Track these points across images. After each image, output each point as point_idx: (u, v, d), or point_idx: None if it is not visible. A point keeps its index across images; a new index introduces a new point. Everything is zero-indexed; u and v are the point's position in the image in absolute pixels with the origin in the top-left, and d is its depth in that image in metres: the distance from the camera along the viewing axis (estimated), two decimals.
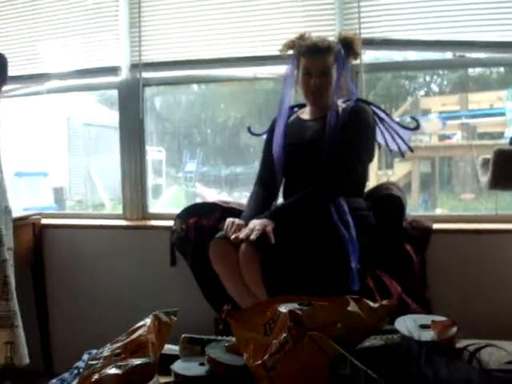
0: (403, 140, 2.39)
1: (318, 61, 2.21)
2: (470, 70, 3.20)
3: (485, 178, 2.21)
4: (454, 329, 1.17)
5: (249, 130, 2.57)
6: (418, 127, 2.39)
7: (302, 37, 2.31)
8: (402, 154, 2.45)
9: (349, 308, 0.98)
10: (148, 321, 1.20)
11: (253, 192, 2.36)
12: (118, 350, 1.14)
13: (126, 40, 2.92)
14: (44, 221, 2.96)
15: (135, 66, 2.91)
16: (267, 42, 2.77)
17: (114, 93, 3.02)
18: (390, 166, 3.54)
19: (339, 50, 2.25)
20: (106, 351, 1.16)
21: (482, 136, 3.56)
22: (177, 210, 2.63)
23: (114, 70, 2.95)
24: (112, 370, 1.07)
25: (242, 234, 2.00)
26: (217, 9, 2.82)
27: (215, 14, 2.82)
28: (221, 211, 2.45)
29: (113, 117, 3.13)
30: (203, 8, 2.83)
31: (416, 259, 2.33)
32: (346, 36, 2.31)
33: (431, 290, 2.36)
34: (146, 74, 2.93)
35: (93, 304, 2.83)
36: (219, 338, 1.25)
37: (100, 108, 3.65)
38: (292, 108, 2.44)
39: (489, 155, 2.14)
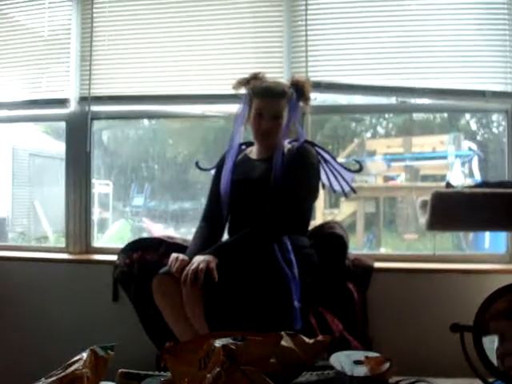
0: (346, 181, 2.46)
1: (270, 104, 2.24)
2: (415, 115, 3.33)
3: (423, 219, 2.29)
4: (387, 364, 1.21)
5: (197, 164, 2.58)
6: (360, 170, 2.46)
7: (256, 76, 2.35)
8: (345, 195, 2.52)
9: (283, 343, 1.00)
10: (84, 355, 1.18)
11: (198, 228, 2.36)
12: None
13: (76, 73, 2.93)
14: None
15: (84, 99, 2.92)
16: (218, 80, 2.83)
17: (62, 124, 3.01)
18: (336, 205, 3.60)
19: (292, 94, 2.30)
20: None
21: (425, 178, 3.67)
22: (121, 245, 2.61)
23: (62, 102, 2.94)
24: None
25: (190, 276, 1.99)
26: (169, 46, 2.87)
27: (167, 52, 2.87)
28: (165, 247, 2.44)
29: (59, 148, 3.11)
30: (155, 45, 2.88)
31: (357, 297, 2.37)
32: (298, 80, 2.36)
33: (372, 328, 2.40)
34: (95, 108, 2.93)
35: (34, 338, 2.75)
36: (156, 373, 1.24)
37: (46, 139, 3.62)
38: (240, 145, 2.47)
39: (427, 197, 2.23)
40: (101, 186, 3.34)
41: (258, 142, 2.36)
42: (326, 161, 2.42)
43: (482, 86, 2.69)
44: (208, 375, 0.92)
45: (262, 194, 2.21)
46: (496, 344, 1.29)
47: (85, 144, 2.92)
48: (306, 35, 2.74)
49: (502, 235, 2.79)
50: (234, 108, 2.50)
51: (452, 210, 2.21)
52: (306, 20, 2.74)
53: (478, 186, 2.35)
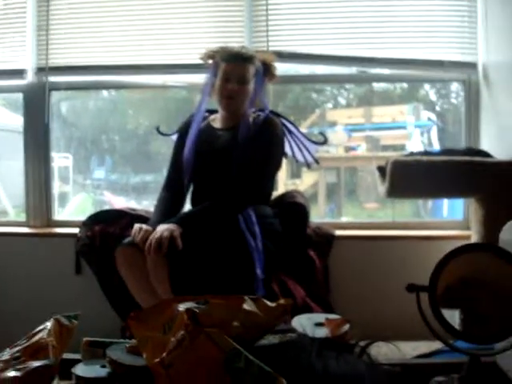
0: (309, 152, 2.48)
1: (238, 67, 2.25)
2: (375, 85, 3.35)
3: (382, 188, 2.34)
4: (347, 326, 1.24)
5: (157, 130, 2.54)
6: (325, 142, 2.48)
7: (224, 47, 2.34)
8: (308, 166, 2.54)
9: (245, 307, 1.02)
10: (48, 324, 1.19)
11: (160, 197, 2.36)
12: (17, 354, 1.12)
13: (32, 42, 2.85)
14: None
15: (41, 70, 2.85)
16: (178, 50, 2.81)
17: (19, 96, 2.95)
18: (297, 175, 3.62)
19: (259, 66, 2.30)
20: (5, 355, 1.13)
21: (385, 148, 3.72)
22: (83, 218, 2.60)
23: (19, 73, 2.86)
24: (11, 373, 1.06)
25: (153, 244, 2.00)
26: (128, 15, 2.82)
27: (126, 21, 2.83)
28: (128, 218, 2.44)
29: (17, 121, 3.04)
30: (114, 14, 2.83)
31: (319, 264, 2.42)
32: (265, 58, 2.37)
33: (334, 294, 2.46)
34: (53, 78, 2.88)
35: None
36: (121, 340, 1.25)
37: (3, 111, 3.53)
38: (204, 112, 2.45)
39: (383, 163, 2.28)
40: (60, 160, 3.28)
41: (222, 108, 2.34)
42: (290, 132, 2.44)
43: (441, 55, 2.73)
44: (172, 339, 0.93)
45: (226, 164, 2.22)
46: (458, 318, 1.33)
47: (43, 116, 2.87)
48: (267, 4, 2.73)
49: (460, 203, 2.86)
50: (195, 78, 2.48)
51: (410, 178, 2.26)
52: None
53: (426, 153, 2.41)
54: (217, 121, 2.40)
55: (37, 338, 1.15)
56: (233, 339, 0.93)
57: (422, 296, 1.21)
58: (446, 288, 1.19)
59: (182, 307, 0.96)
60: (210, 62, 2.35)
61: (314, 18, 2.75)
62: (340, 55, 2.76)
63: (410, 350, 2.12)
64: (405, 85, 3.43)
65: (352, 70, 2.93)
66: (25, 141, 2.93)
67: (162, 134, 2.55)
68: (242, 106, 2.29)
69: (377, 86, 3.36)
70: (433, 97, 3.46)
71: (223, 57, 2.29)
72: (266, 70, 2.35)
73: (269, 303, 1.09)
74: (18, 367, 1.08)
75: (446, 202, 3.14)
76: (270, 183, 2.39)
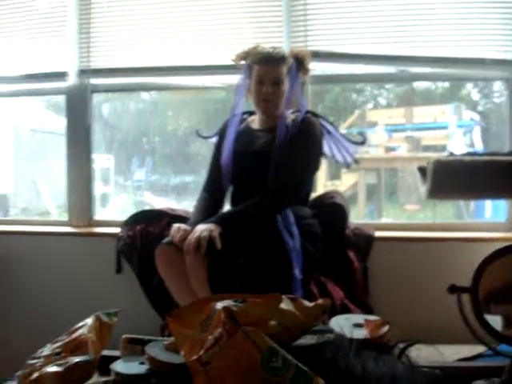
0: (349, 153, 2.46)
1: (271, 69, 2.25)
2: (416, 85, 3.31)
3: (424, 188, 2.30)
4: (386, 327, 1.23)
5: (197, 132, 2.58)
6: (363, 142, 2.46)
7: (255, 48, 2.34)
8: (347, 166, 2.52)
9: (283, 306, 1.02)
10: (89, 321, 1.21)
11: (200, 198, 2.38)
12: (58, 349, 1.15)
13: (74, 45, 2.91)
14: None
15: (83, 72, 2.90)
16: (217, 51, 2.82)
17: (62, 98, 3.00)
18: (337, 176, 3.60)
19: (292, 63, 2.30)
20: (46, 351, 1.16)
21: (426, 148, 3.67)
22: (124, 218, 2.63)
23: (61, 76, 2.92)
24: (52, 368, 1.08)
25: (192, 244, 2.00)
26: (168, 17, 2.85)
27: (167, 22, 2.85)
28: (168, 218, 2.46)
29: (60, 123, 3.11)
30: (154, 16, 2.85)
31: (358, 266, 2.40)
32: (297, 52, 2.37)
33: (373, 296, 2.43)
34: (95, 80, 2.93)
35: (40, 311, 2.78)
36: (159, 338, 1.27)
37: (47, 114, 3.61)
38: (242, 114, 2.46)
39: (424, 164, 2.24)
40: (102, 161, 3.34)
41: (259, 110, 2.35)
42: (328, 132, 2.43)
43: (483, 53, 2.67)
44: (210, 337, 0.94)
45: (265, 165, 2.22)
46: (501, 321, 1.30)
47: (85, 118, 2.92)
48: (305, 4, 2.72)
49: (503, 204, 2.79)
50: (234, 79, 2.49)
51: (452, 179, 2.21)
52: None
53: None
54: (255, 122, 2.41)
55: (77, 334, 1.17)
56: (270, 338, 0.93)
57: (464, 298, 1.18)
58: (488, 290, 1.16)
59: (219, 305, 0.96)
60: (243, 63, 2.36)
61: (352, 17, 2.72)
62: (380, 54, 2.73)
63: (452, 353, 2.08)
64: (446, 84, 3.38)
65: (392, 69, 2.89)
66: (67, 142, 2.98)
67: (202, 136, 2.58)
68: (279, 107, 2.30)
69: (417, 85, 3.32)
70: (475, 96, 3.40)
71: (255, 59, 2.29)
72: (300, 65, 2.34)
73: (306, 303, 1.09)
74: (59, 362, 1.10)
75: (488, 203, 3.08)
76: (309, 184, 2.38)
